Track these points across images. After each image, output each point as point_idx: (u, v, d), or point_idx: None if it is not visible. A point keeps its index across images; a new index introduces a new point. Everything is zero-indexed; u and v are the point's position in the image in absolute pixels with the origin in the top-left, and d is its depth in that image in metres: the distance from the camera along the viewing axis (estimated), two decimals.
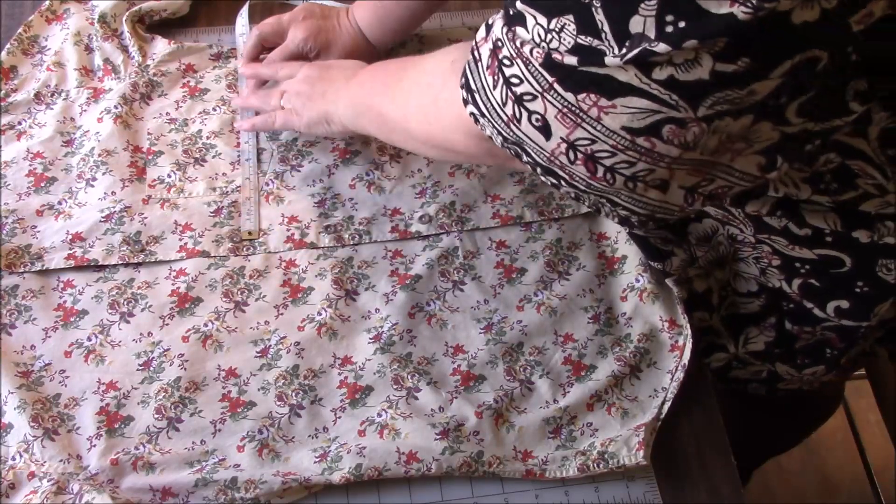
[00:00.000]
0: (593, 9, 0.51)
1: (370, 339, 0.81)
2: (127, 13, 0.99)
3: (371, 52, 0.98)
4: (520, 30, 0.57)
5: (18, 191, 0.89)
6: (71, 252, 0.84)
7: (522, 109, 0.58)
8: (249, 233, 0.87)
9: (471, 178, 0.91)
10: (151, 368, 0.79)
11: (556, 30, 0.53)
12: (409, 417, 0.76)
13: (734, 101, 0.51)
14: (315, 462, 0.74)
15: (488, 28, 0.62)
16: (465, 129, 0.66)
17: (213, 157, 0.92)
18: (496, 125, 0.61)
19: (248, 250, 0.86)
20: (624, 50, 0.50)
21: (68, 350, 0.80)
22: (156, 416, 0.76)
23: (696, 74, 0.50)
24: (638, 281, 0.83)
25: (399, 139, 0.81)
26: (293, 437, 0.76)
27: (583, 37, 0.52)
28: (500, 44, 0.59)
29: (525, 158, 0.62)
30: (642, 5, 0.48)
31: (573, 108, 0.55)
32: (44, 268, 0.84)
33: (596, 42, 0.51)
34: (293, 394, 0.78)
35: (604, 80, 0.52)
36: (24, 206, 0.88)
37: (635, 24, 0.49)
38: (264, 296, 0.83)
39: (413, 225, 0.88)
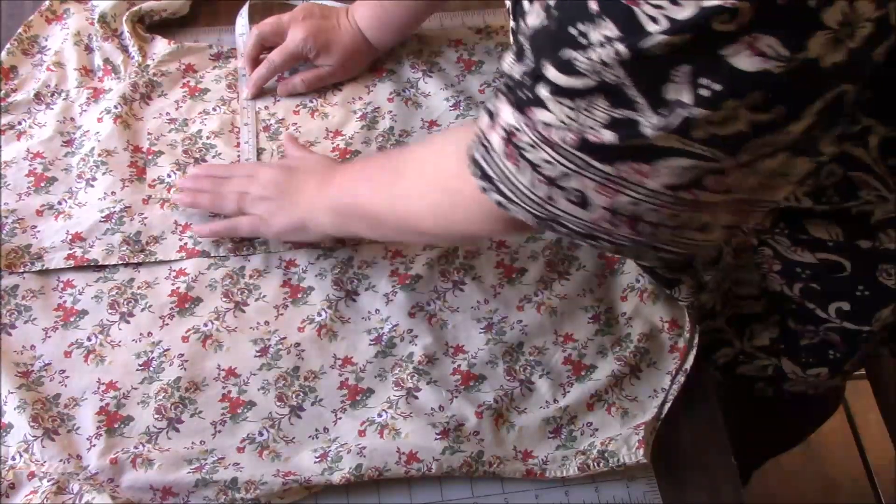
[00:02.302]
0: (624, 87, 0.49)
1: (371, 340, 0.81)
2: (127, 13, 0.99)
3: (371, 51, 0.97)
4: (539, 113, 0.55)
5: (18, 191, 0.89)
6: (71, 252, 0.84)
7: (557, 189, 0.56)
8: None
9: None
10: (151, 368, 0.79)
11: (586, 108, 0.52)
12: (410, 417, 0.76)
13: (771, 144, 0.51)
14: (315, 462, 0.74)
15: (491, 114, 0.59)
16: (488, 215, 0.64)
17: (213, 157, 0.92)
18: (528, 208, 0.59)
19: (248, 250, 0.86)
20: (661, 119, 0.49)
21: (68, 350, 0.80)
22: (156, 416, 0.76)
23: (735, 128, 0.49)
24: (638, 281, 0.83)
25: (402, 237, 0.80)
26: (293, 438, 0.76)
27: (618, 111, 0.51)
28: (515, 131, 0.57)
29: (562, 230, 0.60)
30: (673, 72, 0.47)
31: (613, 178, 0.53)
32: (44, 268, 0.84)
33: (631, 114, 0.50)
34: (294, 395, 0.78)
35: (642, 149, 0.51)
36: (24, 206, 0.87)
37: (670, 92, 0.48)
38: (264, 296, 0.83)
39: None
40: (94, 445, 0.74)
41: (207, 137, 0.93)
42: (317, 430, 0.77)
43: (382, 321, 0.82)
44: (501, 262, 0.85)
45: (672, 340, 0.81)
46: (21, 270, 0.83)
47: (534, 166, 0.56)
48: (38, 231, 0.86)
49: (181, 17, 1.03)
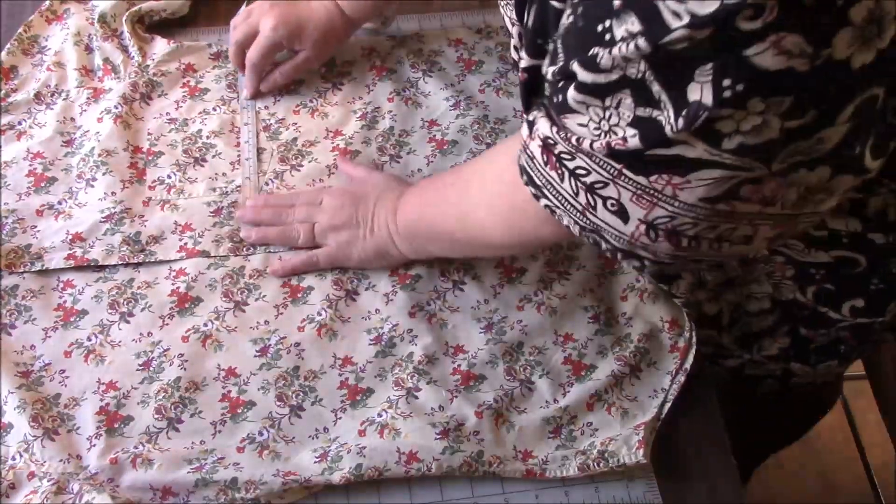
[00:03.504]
0: (647, 82, 0.49)
1: (371, 340, 0.81)
2: (127, 13, 0.99)
3: (346, 26, 0.95)
4: (571, 124, 0.55)
5: (18, 191, 0.89)
6: (71, 252, 0.84)
7: (596, 197, 0.57)
8: None
9: None
10: (151, 368, 0.79)
11: (614, 105, 0.52)
12: (410, 417, 0.76)
13: (805, 152, 0.50)
14: (315, 462, 0.74)
15: (530, 125, 0.60)
16: (547, 219, 0.64)
17: (213, 156, 0.92)
18: (572, 216, 0.60)
19: (248, 250, 0.86)
20: (683, 120, 0.49)
21: (68, 350, 0.80)
22: (156, 416, 0.76)
23: (766, 136, 0.49)
24: (638, 281, 0.83)
25: (475, 252, 0.80)
26: (293, 438, 0.76)
27: (641, 109, 0.51)
28: (551, 142, 0.58)
29: (604, 245, 0.60)
30: (697, 71, 0.47)
31: (647, 190, 0.54)
32: (44, 268, 0.84)
33: (655, 112, 0.50)
34: (293, 395, 0.78)
35: (673, 160, 0.51)
36: (24, 206, 0.87)
37: (692, 92, 0.48)
38: (264, 296, 0.83)
39: None
40: (94, 445, 0.74)
41: (207, 137, 0.93)
42: (317, 429, 0.77)
43: (382, 321, 0.82)
44: (501, 262, 0.85)
45: (672, 340, 0.81)
46: (21, 270, 0.83)
47: (573, 174, 0.57)
48: (38, 231, 0.86)
49: (181, 17, 1.03)
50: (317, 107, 0.96)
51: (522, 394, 0.79)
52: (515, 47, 0.69)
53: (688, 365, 0.78)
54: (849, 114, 0.49)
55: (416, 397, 0.78)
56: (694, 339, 0.79)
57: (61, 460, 0.73)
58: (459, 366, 0.80)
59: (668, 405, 0.77)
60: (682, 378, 0.78)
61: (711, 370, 0.83)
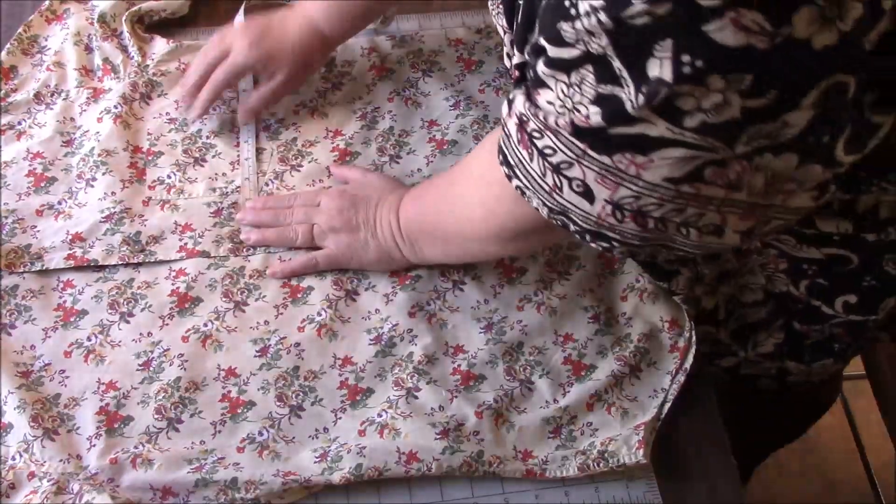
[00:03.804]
0: (608, 58, 0.50)
1: (370, 340, 0.81)
2: (126, 13, 0.99)
3: (324, 47, 0.92)
4: (541, 101, 0.56)
5: (18, 191, 0.89)
6: (71, 252, 0.84)
7: (562, 178, 0.57)
8: None
9: None
10: (151, 368, 0.79)
11: (577, 83, 0.53)
12: (410, 417, 0.76)
13: (770, 136, 0.50)
14: (315, 462, 0.74)
15: (510, 103, 0.61)
16: (517, 204, 0.64)
17: (213, 156, 0.92)
18: (540, 197, 0.61)
19: (248, 250, 0.86)
20: (643, 97, 0.49)
21: (68, 350, 0.80)
22: (156, 416, 0.76)
23: (727, 115, 0.49)
24: (638, 281, 0.83)
25: (466, 248, 0.78)
26: (293, 438, 0.76)
27: (602, 86, 0.51)
28: (525, 118, 0.58)
29: (572, 227, 0.61)
30: (657, 47, 0.48)
31: (611, 169, 0.54)
32: (43, 268, 0.84)
33: (617, 90, 0.51)
34: (293, 395, 0.78)
35: (635, 139, 0.52)
36: (24, 206, 0.87)
37: (652, 68, 0.48)
38: (264, 296, 0.83)
39: None
40: (94, 445, 0.74)
41: (207, 137, 0.93)
42: (317, 429, 0.77)
43: (382, 321, 0.82)
44: (501, 262, 0.85)
45: (672, 340, 0.81)
46: (21, 270, 0.83)
47: (541, 153, 0.57)
48: (38, 231, 0.86)
49: (181, 16, 1.03)
50: (317, 107, 0.96)
51: (522, 394, 0.79)
52: (508, 55, 0.69)
53: (688, 365, 0.78)
54: (813, 99, 0.49)
55: (416, 397, 0.78)
56: (694, 339, 0.79)
57: (61, 460, 0.73)
58: (459, 366, 0.80)
59: (667, 405, 0.77)
60: (681, 378, 0.78)
61: (708, 371, 0.83)
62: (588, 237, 0.61)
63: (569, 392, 0.79)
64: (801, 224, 0.71)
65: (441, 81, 0.98)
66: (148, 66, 0.98)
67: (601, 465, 0.74)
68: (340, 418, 0.77)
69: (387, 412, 0.77)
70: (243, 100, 0.93)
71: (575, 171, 0.56)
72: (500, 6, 0.70)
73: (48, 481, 0.71)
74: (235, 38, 0.90)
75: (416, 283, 0.84)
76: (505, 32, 0.68)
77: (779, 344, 0.84)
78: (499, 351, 0.80)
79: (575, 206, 0.58)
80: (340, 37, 0.91)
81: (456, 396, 0.78)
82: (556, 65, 0.54)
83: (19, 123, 0.94)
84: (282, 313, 0.82)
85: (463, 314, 0.83)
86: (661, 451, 0.76)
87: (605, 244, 0.61)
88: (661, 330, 0.81)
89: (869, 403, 1.18)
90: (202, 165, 0.91)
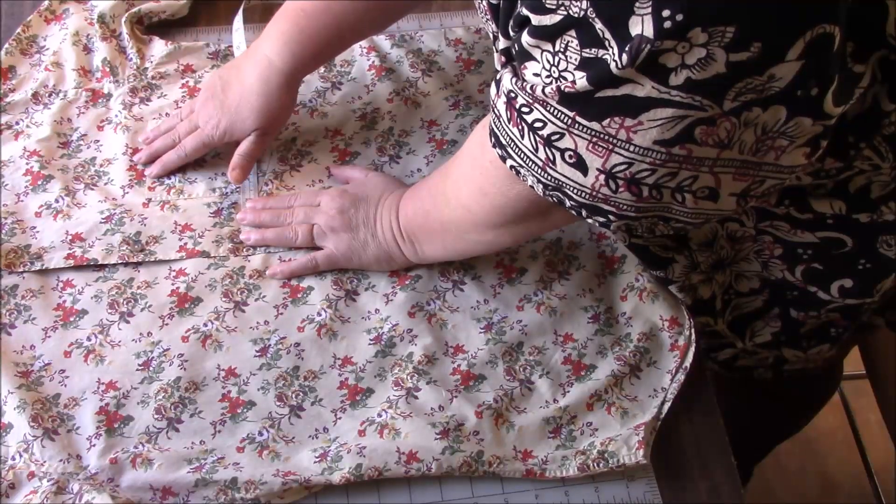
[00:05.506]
0: (590, 20, 0.50)
1: (370, 340, 0.81)
2: (126, 14, 0.99)
3: (288, 82, 0.86)
4: (528, 74, 0.56)
5: (17, 191, 0.88)
6: (70, 251, 0.84)
7: (554, 150, 0.57)
8: None
9: None
10: (151, 368, 0.79)
11: (562, 50, 0.53)
12: (409, 417, 0.76)
13: (757, 89, 0.50)
14: (315, 462, 0.74)
15: (497, 84, 0.61)
16: (512, 184, 0.64)
17: (213, 156, 0.92)
18: (534, 173, 0.61)
19: (248, 251, 0.86)
20: (627, 56, 0.50)
21: (68, 350, 0.80)
22: (155, 416, 0.76)
23: (713, 70, 0.49)
24: (638, 280, 0.83)
25: (463, 238, 0.77)
26: (293, 438, 0.76)
27: (587, 50, 0.52)
28: (513, 95, 0.59)
29: (568, 203, 0.61)
30: (637, 4, 0.48)
31: (601, 136, 0.54)
32: (43, 267, 0.84)
33: (601, 52, 0.51)
34: (293, 395, 0.78)
35: (623, 101, 0.52)
36: (23, 207, 0.87)
37: (634, 26, 0.49)
38: (264, 296, 0.83)
39: None
40: (94, 445, 0.74)
41: None
42: (316, 429, 0.77)
43: (382, 321, 0.82)
44: (501, 262, 0.85)
45: (672, 339, 0.81)
46: (21, 270, 0.83)
47: (531, 128, 0.58)
48: (38, 231, 0.86)
49: (180, 18, 1.03)
50: (316, 107, 0.96)
51: (522, 394, 0.79)
52: (496, 49, 0.69)
53: (688, 363, 0.78)
54: (800, 50, 0.49)
55: (416, 397, 0.78)
56: (693, 337, 0.79)
57: (61, 460, 0.73)
58: (459, 366, 0.80)
59: (667, 405, 0.77)
60: (681, 377, 0.78)
61: (706, 368, 0.83)
62: (584, 212, 0.61)
63: (569, 392, 0.79)
64: (796, 208, 0.72)
65: (440, 81, 0.98)
66: (146, 68, 0.97)
67: (601, 465, 0.74)
68: (340, 418, 0.77)
69: (387, 412, 0.77)
70: (232, 166, 0.88)
71: (566, 142, 0.56)
72: (486, 5, 0.70)
73: (48, 481, 0.71)
74: (200, 111, 0.88)
75: (415, 283, 0.84)
76: (496, 38, 0.68)
77: (776, 332, 0.84)
78: (499, 351, 0.80)
79: (569, 178, 0.58)
80: (303, 68, 0.87)
81: (456, 396, 0.78)
82: (540, 33, 0.54)
83: (17, 123, 0.94)
84: (282, 313, 0.82)
85: (463, 314, 0.83)
86: (661, 451, 0.76)
87: (601, 218, 0.61)
88: (661, 329, 0.81)
89: (869, 403, 1.18)
90: (202, 165, 0.91)
